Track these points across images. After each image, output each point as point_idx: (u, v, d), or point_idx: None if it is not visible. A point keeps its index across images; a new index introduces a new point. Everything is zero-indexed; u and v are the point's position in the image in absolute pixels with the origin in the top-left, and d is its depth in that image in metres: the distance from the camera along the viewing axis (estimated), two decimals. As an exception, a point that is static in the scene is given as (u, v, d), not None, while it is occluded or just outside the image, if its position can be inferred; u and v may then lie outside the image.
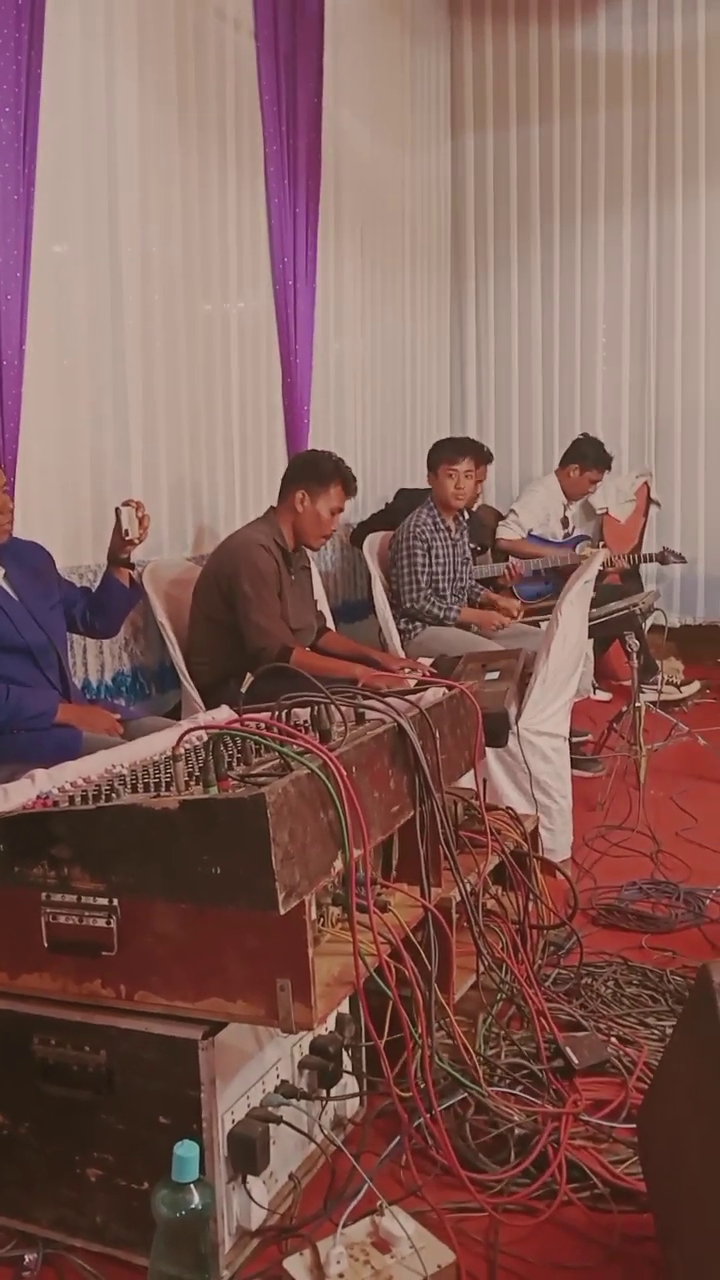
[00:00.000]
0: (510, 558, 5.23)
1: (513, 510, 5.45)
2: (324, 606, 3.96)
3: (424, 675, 3.49)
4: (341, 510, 3.54)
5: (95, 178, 3.45)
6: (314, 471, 3.48)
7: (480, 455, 4.54)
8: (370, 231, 5.59)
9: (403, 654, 4.12)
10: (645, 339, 6.34)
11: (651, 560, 5.53)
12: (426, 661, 3.80)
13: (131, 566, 3.03)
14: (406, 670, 3.53)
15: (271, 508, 3.56)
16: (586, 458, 5.40)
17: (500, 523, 5.41)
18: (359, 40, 5.32)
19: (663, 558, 5.44)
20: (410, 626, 4.23)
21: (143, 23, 3.64)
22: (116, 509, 2.96)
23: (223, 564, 3.38)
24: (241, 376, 4.41)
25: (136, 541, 2.98)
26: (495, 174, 6.61)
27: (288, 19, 4.45)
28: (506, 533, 5.36)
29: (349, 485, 3.50)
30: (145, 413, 3.76)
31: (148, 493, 3.71)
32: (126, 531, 2.94)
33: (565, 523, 5.56)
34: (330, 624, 3.89)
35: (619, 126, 6.27)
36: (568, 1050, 2.07)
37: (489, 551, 5.33)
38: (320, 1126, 1.80)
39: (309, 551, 3.67)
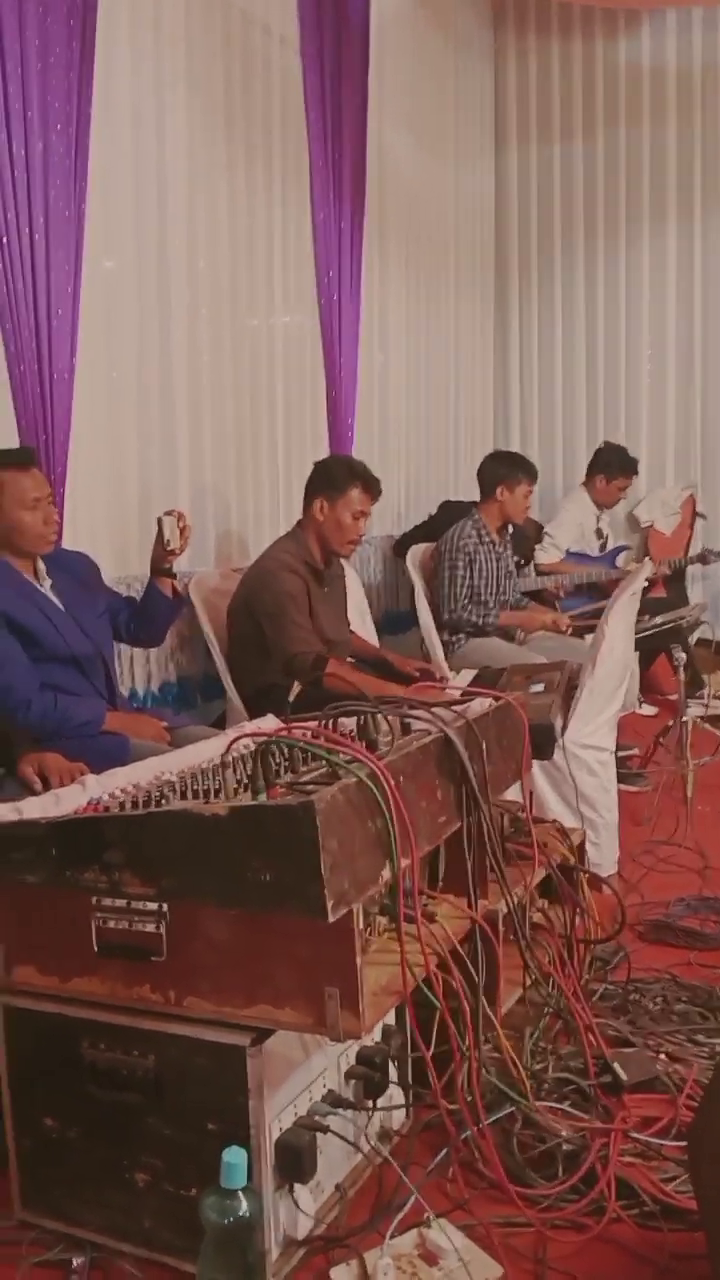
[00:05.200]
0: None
1: (547, 533, 5.41)
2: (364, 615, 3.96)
3: (439, 679, 3.50)
4: (367, 514, 3.47)
5: (144, 194, 3.49)
6: (329, 478, 3.44)
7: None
8: (414, 246, 5.60)
9: (446, 666, 4.10)
10: (691, 352, 6.29)
11: (693, 562, 5.49)
12: (469, 674, 3.78)
13: (174, 576, 3.04)
14: (418, 672, 3.53)
15: (298, 522, 3.53)
16: (611, 465, 5.37)
17: (537, 547, 5.38)
18: (404, 55, 5.35)
19: (704, 558, 5.41)
20: (454, 638, 4.21)
21: (190, 40, 3.69)
22: (159, 519, 2.98)
23: (251, 588, 3.37)
24: (286, 390, 4.43)
25: (178, 551, 3.00)
26: (539, 188, 6.59)
27: (333, 35, 4.49)
28: (544, 556, 5.33)
29: (369, 486, 3.44)
30: (192, 426, 3.79)
31: (194, 505, 3.73)
32: (168, 541, 2.96)
33: (599, 534, 5.53)
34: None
35: (663, 140, 6.24)
36: (616, 1066, 2.05)
37: (531, 566, 5.32)
38: (367, 1137, 1.80)
39: (344, 561, 3.66)
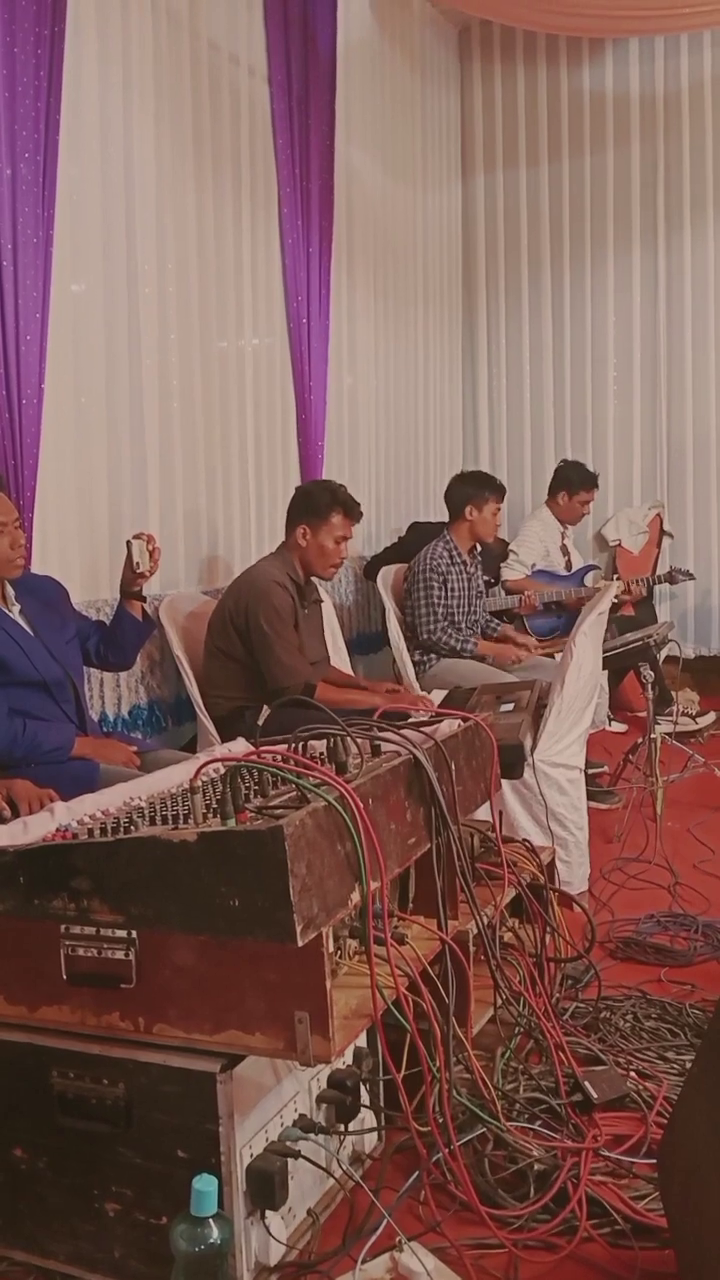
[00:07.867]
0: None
1: (512, 550, 5.43)
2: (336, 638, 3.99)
3: (403, 695, 3.58)
4: (349, 537, 3.54)
5: (112, 220, 3.51)
6: (311, 505, 3.50)
7: None
8: (383, 269, 5.66)
9: (418, 686, 4.13)
10: (656, 373, 6.38)
11: (661, 581, 5.54)
12: (439, 694, 3.81)
13: (143, 599, 3.06)
14: (387, 690, 3.57)
15: (281, 544, 3.60)
16: (571, 481, 5.39)
17: (503, 565, 5.41)
18: (370, 83, 5.41)
19: (671, 577, 5.45)
20: (425, 658, 4.24)
21: (158, 69, 3.72)
22: (128, 542, 3.00)
23: (239, 600, 3.39)
24: (256, 412, 4.46)
25: (148, 574, 3.01)
26: (506, 212, 6.68)
27: (300, 63, 4.54)
28: (510, 574, 5.35)
29: (350, 511, 3.50)
30: (161, 449, 3.80)
31: (164, 527, 3.74)
32: (138, 564, 2.98)
33: (565, 551, 5.56)
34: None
35: (627, 165, 6.34)
36: (586, 1085, 2.06)
37: (499, 585, 5.34)
38: (338, 1161, 1.80)
39: (321, 584, 3.70)
